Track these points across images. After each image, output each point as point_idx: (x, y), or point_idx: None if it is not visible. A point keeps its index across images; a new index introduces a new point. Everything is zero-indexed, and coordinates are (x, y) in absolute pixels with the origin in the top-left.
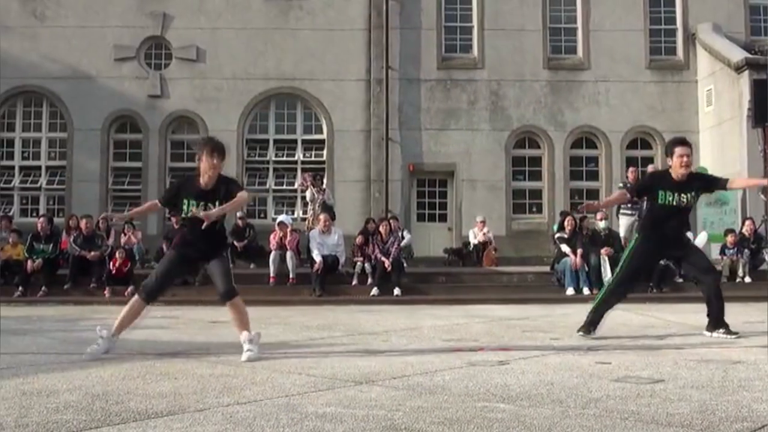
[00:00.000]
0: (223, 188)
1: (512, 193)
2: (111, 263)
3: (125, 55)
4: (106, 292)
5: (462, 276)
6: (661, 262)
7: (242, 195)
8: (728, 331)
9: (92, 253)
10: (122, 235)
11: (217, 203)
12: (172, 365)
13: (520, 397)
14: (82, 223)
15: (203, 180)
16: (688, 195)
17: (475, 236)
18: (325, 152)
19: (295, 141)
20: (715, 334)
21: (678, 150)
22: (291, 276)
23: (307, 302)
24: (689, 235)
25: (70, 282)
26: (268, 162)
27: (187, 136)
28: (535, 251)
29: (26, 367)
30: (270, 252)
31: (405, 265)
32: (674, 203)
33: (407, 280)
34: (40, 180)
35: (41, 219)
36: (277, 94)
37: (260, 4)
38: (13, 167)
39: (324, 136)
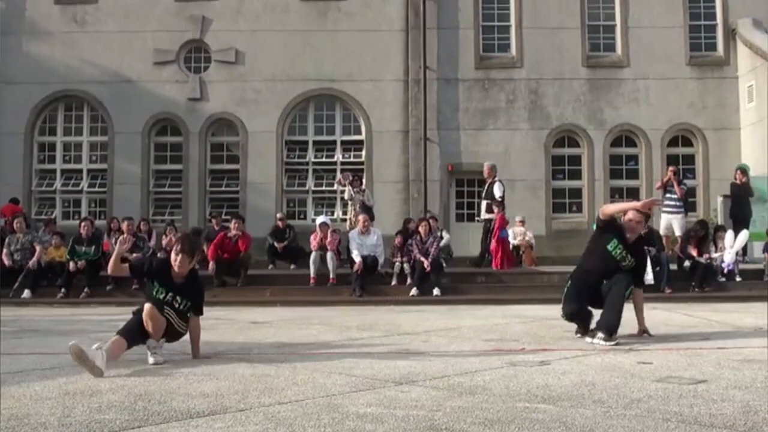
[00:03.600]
0: (191, 287)
1: (552, 192)
2: None
3: (165, 59)
4: None
5: (501, 276)
6: (702, 260)
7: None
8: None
9: (134, 255)
10: (163, 237)
11: (184, 300)
12: (213, 365)
13: (562, 397)
14: (124, 226)
15: (174, 272)
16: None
17: (514, 236)
18: (363, 153)
19: (334, 142)
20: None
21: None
22: (331, 276)
23: (347, 302)
24: (730, 233)
25: (112, 284)
26: (307, 163)
27: (226, 138)
28: (575, 251)
29: (69, 368)
30: (310, 253)
31: (444, 265)
32: (618, 258)
33: (446, 280)
34: (82, 183)
35: (84, 222)
36: (315, 95)
37: (298, 5)
38: (55, 171)
39: (362, 137)
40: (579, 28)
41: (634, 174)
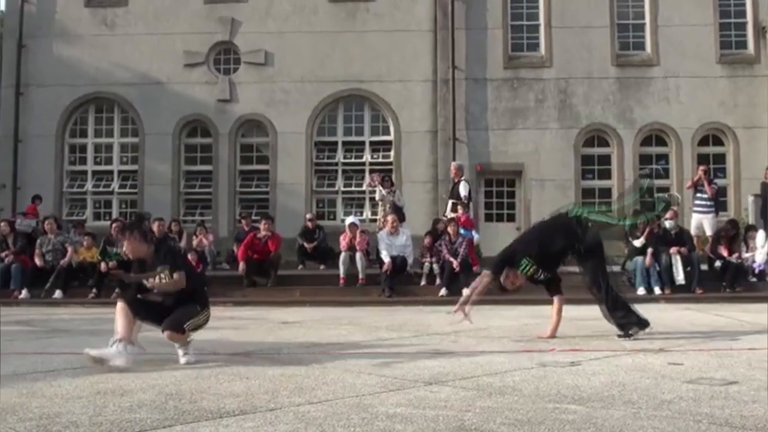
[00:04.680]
0: (159, 255)
1: (581, 192)
2: None
3: (195, 61)
4: None
5: None
6: (732, 260)
7: (175, 280)
8: None
9: None
10: (194, 237)
11: (166, 272)
12: (243, 365)
13: (592, 398)
14: (155, 226)
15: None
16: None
17: None
18: (392, 153)
19: (363, 143)
20: None
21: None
22: (360, 277)
23: (377, 303)
24: (761, 233)
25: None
26: (336, 164)
27: (256, 139)
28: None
29: (101, 367)
30: (340, 253)
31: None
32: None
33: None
34: (113, 184)
35: (115, 223)
36: (344, 96)
37: (327, 7)
38: (86, 172)
39: (391, 137)
40: (608, 27)
41: (664, 173)
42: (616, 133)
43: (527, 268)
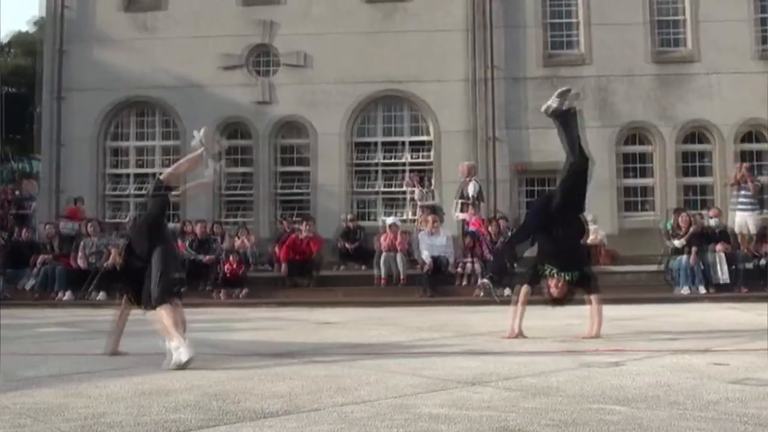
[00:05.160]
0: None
1: (623, 190)
2: (225, 266)
3: (233, 64)
4: (221, 295)
5: None
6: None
7: None
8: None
9: (206, 257)
10: (235, 239)
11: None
12: (286, 366)
13: (636, 399)
14: (196, 228)
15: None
16: None
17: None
18: (431, 153)
19: (402, 143)
20: None
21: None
22: (401, 277)
23: (417, 303)
24: None
25: (186, 285)
26: (375, 164)
27: (295, 141)
28: (647, 249)
29: (143, 368)
30: (380, 253)
31: (515, 265)
32: None
33: (517, 280)
34: None
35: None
36: (382, 96)
37: (364, 8)
38: (127, 175)
39: (430, 137)
40: (647, 23)
41: (706, 171)
42: (656, 130)
43: (551, 272)
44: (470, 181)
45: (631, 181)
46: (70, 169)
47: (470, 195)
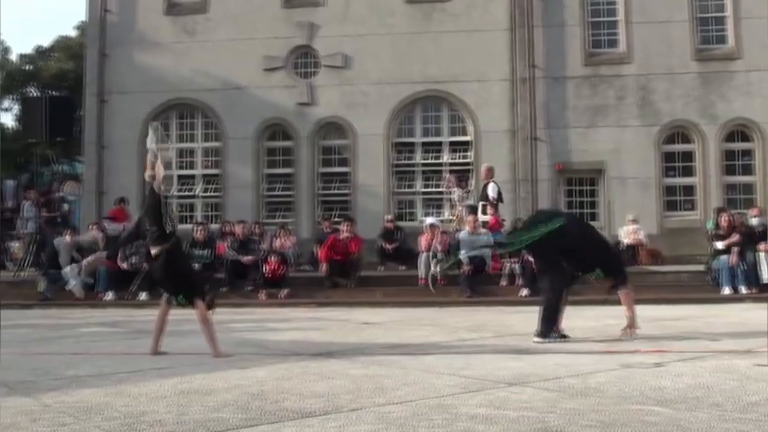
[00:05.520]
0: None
1: (664, 189)
2: (266, 267)
3: (274, 65)
4: (262, 295)
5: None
6: None
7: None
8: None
9: (247, 258)
10: (276, 239)
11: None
12: (326, 366)
13: (676, 400)
14: (237, 229)
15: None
16: None
17: (626, 235)
18: (471, 153)
19: (441, 143)
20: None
21: None
22: (439, 278)
23: (457, 303)
24: None
25: (227, 285)
26: (415, 165)
27: (336, 142)
28: (689, 249)
29: (185, 367)
30: (420, 254)
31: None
32: None
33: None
34: (196, 188)
35: (199, 226)
36: (422, 97)
37: (404, 8)
38: (170, 177)
39: (470, 137)
40: (688, 21)
41: (749, 170)
42: (698, 129)
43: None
44: (489, 183)
45: (672, 180)
46: (113, 171)
47: (490, 196)
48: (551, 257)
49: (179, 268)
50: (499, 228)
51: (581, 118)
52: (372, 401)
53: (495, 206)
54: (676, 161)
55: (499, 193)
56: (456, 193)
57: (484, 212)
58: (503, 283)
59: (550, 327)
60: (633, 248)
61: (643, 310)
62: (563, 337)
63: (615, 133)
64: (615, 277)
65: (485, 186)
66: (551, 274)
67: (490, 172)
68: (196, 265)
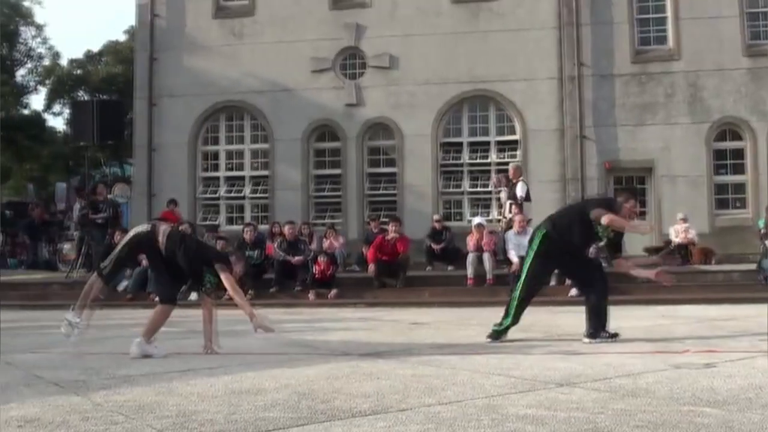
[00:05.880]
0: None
1: (714, 187)
2: (314, 267)
3: (322, 67)
4: (311, 295)
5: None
6: None
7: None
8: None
9: (296, 258)
10: (324, 240)
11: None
12: (374, 366)
13: (728, 401)
14: (286, 230)
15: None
16: None
17: (676, 234)
18: (519, 153)
19: (488, 143)
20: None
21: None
22: (488, 277)
23: (505, 303)
24: None
25: (276, 286)
26: (462, 164)
27: (383, 142)
28: (739, 248)
29: (235, 367)
30: (467, 254)
31: (604, 264)
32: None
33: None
34: (245, 190)
35: (247, 227)
36: (469, 96)
37: (450, 8)
38: (218, 178)
39: (517, 136)
40: (738, 17)
41: None
42: (749, 126)
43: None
44: (518, 182)
45: (723, 178)
46: (163, 172)
47: (519, 196)
48: (566, 261)
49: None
50: (524, 228)
51: (630, 116)
52: (420, 401)
53: (520, 206)
54: (726, 159)
55: (527, 193)
56: (504, 192)
57: (510, 211)
58: (552, 282)
59: (599, 327)
60: (684, 247)
61: (693, 310)
62: (613, 336)
63: (664, 131)
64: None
65: (514, 185)
66: (587, 274)
67: (519, 171)
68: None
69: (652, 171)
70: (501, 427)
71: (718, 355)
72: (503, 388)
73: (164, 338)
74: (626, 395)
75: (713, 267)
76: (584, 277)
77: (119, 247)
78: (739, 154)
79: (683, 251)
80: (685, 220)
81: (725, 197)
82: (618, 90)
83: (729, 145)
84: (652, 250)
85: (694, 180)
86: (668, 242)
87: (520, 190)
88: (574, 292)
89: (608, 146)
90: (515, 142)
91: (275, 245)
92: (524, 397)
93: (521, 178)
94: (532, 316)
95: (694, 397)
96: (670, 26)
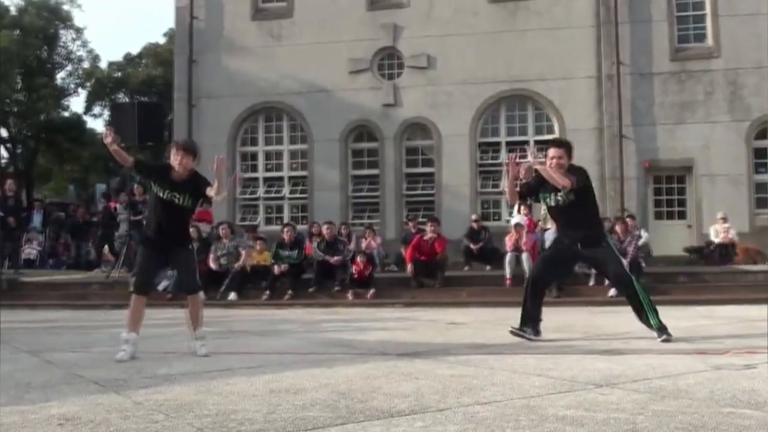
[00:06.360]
0: (192, 184)
1: (755, 186)
2: (353, 267)
3: (359, 68)
4: (349, 295)
5: (704, 275)
6: None
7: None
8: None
9: (335, 258)
10: (363, 240)
11: (186, 196)
12: (413, 365)
13: None
14: (324, 230)
15: (174, 172)
16: (564, 193)
17: (716, 234)
18: None
19: (526, 142)
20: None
21: (550, 152)
22: (527, 277)
23: (544, 303)
24: None
25: (315, 286)
26: (500, 164)
27: (421, 142)
28: None
29: (275, 366)
30: (505, 254)
31: (643, 265)
32: (553, 203)
33: (646, 280)
34: (283, 190)
35: (286, 228)
36: (507, 96)
37: (487, 7)
38: (257, 179)
39: (556, 135)
40: None
41: None
42: None
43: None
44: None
45: (763, 177)
46: (202, 173)
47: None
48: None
49: None
50: (533, 228)
51: (669, 115)
52: (459, 401)
53: (530, 207)
54: (766, 157)
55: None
56: None
57: (519, 212)
58: (591, 282)
59: (657, 317)
60: (724, 247)
61: (734, 310)
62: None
63: (704, 130)
64: None
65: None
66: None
67: (529, 172)
68: (284, 266)
69: (692, 170)
70: (540, 428)
71: (758, 356)
72: (542, 389)
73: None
74: (666, 396)
75: (753, 267)
76: (613, 274)
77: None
78: None
79: (723, 251)
80: (725, 219)
81: (765, 196)
82: (657, 88)
83: None
84: (692, 250)
85: (734, 179)
86: (709, 242)
87: None
88: (612, 292)
89: (647, 145)
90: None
91: (314, 245)
92: (563, 398)
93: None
94: (572, 316)
95: (734, 398)
96: (708, 23)
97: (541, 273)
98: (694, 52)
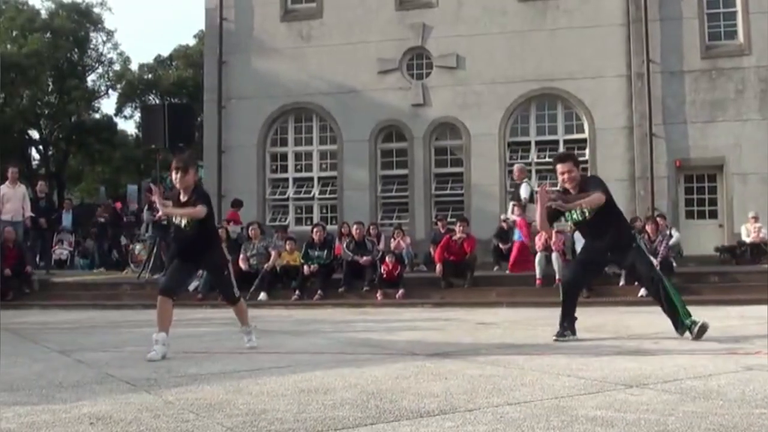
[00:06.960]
0: (192, 199)
1: None
2: (382, 267)
3: (388, 68)
4: (378, 295)
5: (736, 275)
6: None
7: (196, 209)
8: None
9: (364, 258)
10: (392, 240)
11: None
12: (442, 365)
13: None
14: (354, 230)
15: (181, 193)
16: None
17: (747, 233)
18: (587, 151)
19: (556, 141)
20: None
21: (558, 168)
22: (557, 277)
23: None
24: None
25: (344, 286)
26: (530, 164)
27: (450, 142)
28: None
29: (304, 366)
30: (535, 254)
31: (674, 264)
32: (580, 218)
33: (677, 280)
34: (313, 190)
35: (316, 228)
36: (536, 95)
37: (516, 6)
38: (287, 179)
39: (585, 135)
40: None
41: None
42: None
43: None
44: (522, 183)
45: None
46: (232, 174)
47: (522, 197)
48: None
49: None
50: (527, 229)
51: (700, 113)
52: (488, 401)
53: (523, 207)
54: None
55: (532, 194)
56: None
57: (513, 212)
58: (621, 282)
59: (686, 311)
60: (756, 247)
61: (765, 311)
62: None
63: (735, 128)
64: None
65: (518, 186)
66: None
67: (523, 173)
68: (313, 266)
69: (723, 169)
70: (570, 428)
71: None
72: (572, 389)
73: (235, 338)
74: (697, 397)
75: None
76: (644, 269)
77: None
78: None
79: (755, 250)
80: (756, 218)
81: None
82: (687, 86)
83: None
84: (723, 250)
85: (766, 177)
86: (741, 242)
87: (523, 192)
88: (643, 292)
89: (678, 144)
90: (583, 140)
91: (344, 245)
92: (593, 399)
93: (525, 180)
94: (601, 316)
95: (766, 399)
96: (740, 21)
97: (575, 278)
98: (725, 50)
